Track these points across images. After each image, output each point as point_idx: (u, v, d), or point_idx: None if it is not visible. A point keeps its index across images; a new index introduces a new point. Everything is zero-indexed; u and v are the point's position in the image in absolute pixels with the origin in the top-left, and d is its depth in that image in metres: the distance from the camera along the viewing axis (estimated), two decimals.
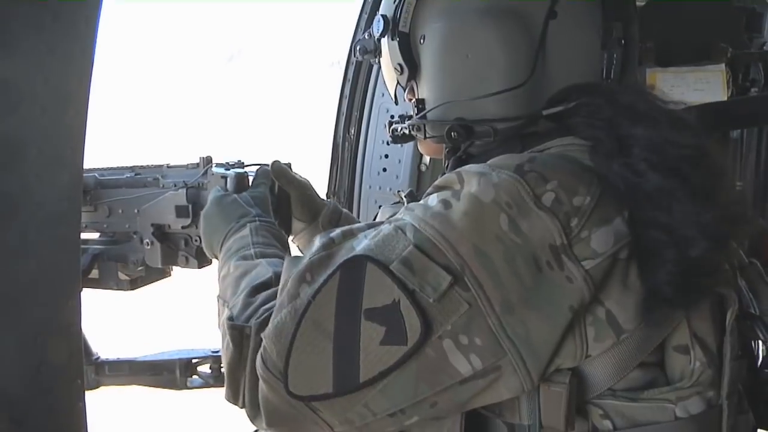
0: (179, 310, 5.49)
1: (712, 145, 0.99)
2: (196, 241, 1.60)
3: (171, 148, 1.66)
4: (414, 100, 1.21)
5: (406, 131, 1.25)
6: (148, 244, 1.63)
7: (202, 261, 1.62)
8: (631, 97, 1.02)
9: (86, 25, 0.89)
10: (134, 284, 1.78)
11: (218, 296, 1.17)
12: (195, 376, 1.97)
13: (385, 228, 0.96)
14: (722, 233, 0.93)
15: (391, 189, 2.50)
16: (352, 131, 2.52)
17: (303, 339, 0.92)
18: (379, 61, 1.32)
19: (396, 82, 1.25)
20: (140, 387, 1.96)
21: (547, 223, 0.90)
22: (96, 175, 1.74)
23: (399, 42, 1.18)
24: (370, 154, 2.51)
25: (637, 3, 2.69)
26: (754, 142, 2.71)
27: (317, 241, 1.01)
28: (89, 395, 1.86)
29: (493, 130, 1.12)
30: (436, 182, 1.02)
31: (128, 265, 1.72)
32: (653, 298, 0.92)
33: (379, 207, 2.53)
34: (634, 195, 0.93)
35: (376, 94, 2.48)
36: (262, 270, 1.12)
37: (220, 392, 2.00)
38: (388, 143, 2.49)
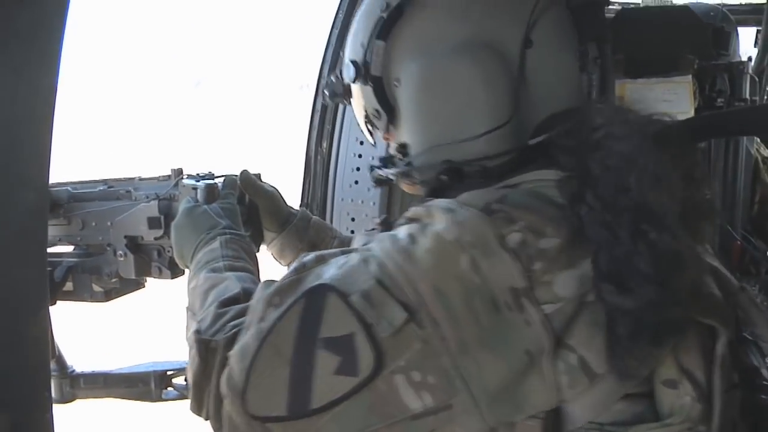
0: (154, 322, 5.47)
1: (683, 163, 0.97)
2: (168, 251, 1.61)
3: (143, 167, 1.69)
4: (396, 145, 1.18)
5: (392, 177, 1.21)
6: (121, 256, 1.64)
7: (175, 272, 1.63)
8: (606, 120, 0.99)
9: (51, 44, 0.91)
10: (108, 296, 1.78)
11: (187, 308, 1.18)
12: (170, 388, 1.97)
13: (353, 258, 0.96)
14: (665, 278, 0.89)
15: (363, 201, 2.53)
16: (324, 144, 2.55)
17: (262, 361, 0.93)
18: (350, 102, 1.28)
19: (372, 128, 1.22)
20: (115, 399, 1.96)
21: (508, 266, 0.89)
22: (69, 188, 1.75)
23: (373, 87, 1.14)
24: (342, 167, 2.53)
25: (608, 15, 2.76)
26: (721, 151, 2.76)
27: (292, 265, 1.01)
28: (65, 408, 1.88)
29: (483, 169, 1.09)
30: (407, 213, 1.01)
31: (102, 277, 1.72)
32: (614, 351, 0.90)
33: (352, 219, 2.57)
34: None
35: (347, 107, 2.51)
36: (231, 284, 1.12)
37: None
38: (359, 156, 2.52)
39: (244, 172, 1.52)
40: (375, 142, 1.27)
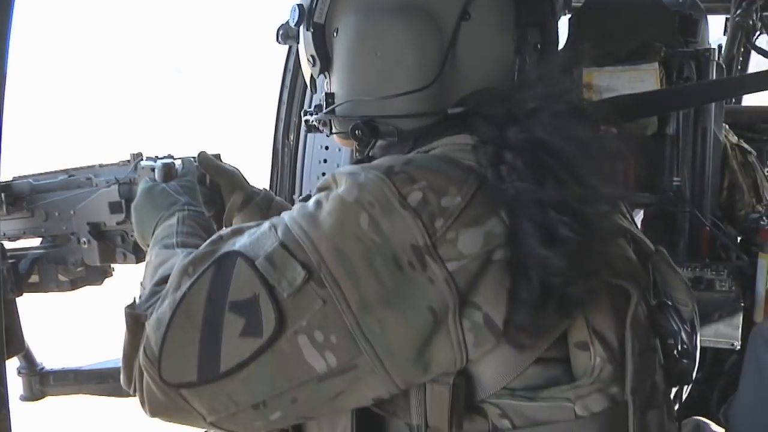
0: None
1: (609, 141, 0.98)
2: (131, 236, 1.62)
3: (122, 155, 1.69)
4: (324, 90, 1.20)
5: (315, 125, 1.25)
6: (85, 243, 1.65)
7: (140, 256, 1.64)
8: (531, 100, 0.98)
9: None
10: (75, 285, 1.79)
11: (140, 283, 1.18)
12: None
13: (264, 226, 0.98)
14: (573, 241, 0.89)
15: None
16: (291, 137, 2.56)
17: (175, 328, 0.94)
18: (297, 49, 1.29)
19: (308, 73, 1.25)
20: (86, 396, 1.96)
21: (409, 223, 0.89)
22: (30, 180, 1.76)
23: (313, 33, 1.17)
24: (309, 158, 2.54)
25: (574, 3, 2.78)
26: (690, 138, 2.79)
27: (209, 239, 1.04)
28: (35, 406, 1.87)
29: (398, 130, 1.12)
30: (318, 184, 1.02)
31: (68, 266, 1.74)
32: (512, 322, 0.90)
33: None
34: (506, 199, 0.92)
35: (314, 100, 2.51)
36: (177, 260, 1.09)
37: None
38: (327, 148, 2.53)
39: (202, 153, 1.52)
40: (313, 89, 1.28)
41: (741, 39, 3.66)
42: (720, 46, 3.48)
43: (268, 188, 1.90)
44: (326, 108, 1.19)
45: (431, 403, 0.94)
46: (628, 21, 2.78)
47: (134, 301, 1.05)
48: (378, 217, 0.90)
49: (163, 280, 1.05)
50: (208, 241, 1.02)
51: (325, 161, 2.53)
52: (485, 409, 0.95)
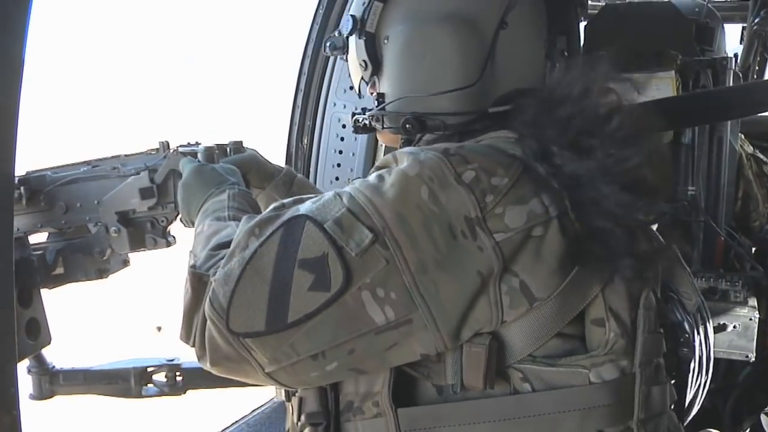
0: (134, 319, 5.46)
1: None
2: (162, 222, 1.70)
3: (136, 144, 1.71)
4: (375, 93, 1.33)
5: (367, 122, 1.36)
6: (115, 232, 1.69)
7: (169, 240, 1.73)
8: (563, 100, 1.10)
9: (12, 34, 0.90)
10: (101, 274, 1.82)
11: (190, 251, 1.23)
12: (150, 385, 1.98)
13: (328, 195, 1.08)
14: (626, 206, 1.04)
15: None
16: (305, 141, 2.55)
17: (245, 282, 1.03)
18: (346, 58, 1.43)
19: (360, 77, 1.37)
20: (95, 396, 1.96)
21: (463, 197, 1.02)
22: (48, 173, 1.77)
23: (365, 41, 1.30)
24: (322, 162, 2.54)
25: (590, 11, 2.76)
26: (705, 147, 2.76)
27: (271, 205, 1.13)
28: (44, 405, 1.87)
29: (444, 124, 1.25)
30: (377, 163, 1.14)
31: (94, 256, 1.77)
32: (573, 258, 1.04)
33: None
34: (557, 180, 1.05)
35: (328, 103, 2.51)
36: (231, 231, 1.18)
37: (175, 400, 2.02)
38: (340, 152, 2.52)
39: (231, 141, 1.68)
40: (361, 94, 1.43)
41: (758, 47, 3.64)
42: (736, 55, 3.45)
43: None
44: (378, 106, 1.32)
45: (467, 363, 1.05)
46: (643, 29, 2.76)
47: (195, 262, 1.13)
48: (436, 190, 1.02)
49: (219, 246, 1.14)
50: (270, 207, 1.12)
51: (338, 165, 2.53)
52: (509, 373, 1.07)
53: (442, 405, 1.08)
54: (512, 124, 1.15)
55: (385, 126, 1.32)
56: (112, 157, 1.76)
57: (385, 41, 1.29)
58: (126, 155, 1.75)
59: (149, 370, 1.97)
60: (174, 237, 1.75)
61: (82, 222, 1.76)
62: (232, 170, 1.52)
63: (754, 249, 2.85)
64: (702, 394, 2.35)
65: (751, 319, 2.38)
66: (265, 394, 2.18)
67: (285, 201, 1.13)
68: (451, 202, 1.02)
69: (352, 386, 1.14)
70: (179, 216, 1.63)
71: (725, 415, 2.71)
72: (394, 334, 1.03)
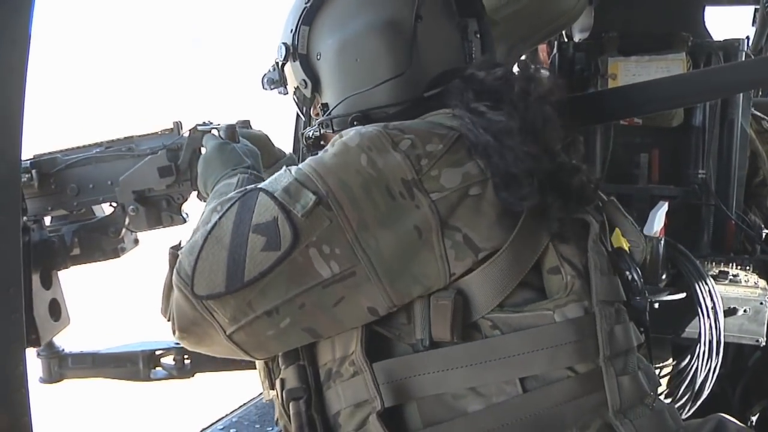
0: (142, 302, 5.49)
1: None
2: (177, 199, 1.74)
3: (143, 125, 1.74)
4: (319, 105, 1.45)
5: (317, 133, 1.46)
6: (133, 211, 1.73)
7: (185, 218, 1.76)
8: (492, 80, 1.25)
9: (17, 16, 0.90)
10: (117, 253, 1.84)
11: (193, 230, 1.28)
12: (158, 368, 1.98)
13: (281, 171, 1.19)
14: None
15: None
16: None
17: (207, 250, 1.13)
18: (286, 88, 1.56)
19: (303, 101, 1.49)
20: (104, 379, 1.96)
21: (399, 162, 1.13)
22: (58, 156, 1.78)
23: (300, 62, 1.43)
24: None
25: None
26: (716, 131, 2.74)
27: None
28: (53, 388, 1.88)
29: (387, 115, 1.34)
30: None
31: (108, 235, 1.79)
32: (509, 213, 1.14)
33: None
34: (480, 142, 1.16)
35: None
36: None
37: (184, 383, 2.02)
38: None
39: (239, 121, 1.74)
40: (306, 118, 1.53)
41: None
42: (748, 37, 3.41)
43: None
44: (323, 115, 1.42)
45: (435, 317, 1.13)
46: (654, 10, 2.74)
47: (179, 243, 1.22)
48: (374, 157, 1.13)
49: None
50: (237, 191, 1.23)
51: None
52: (479, 324, 1.15)
53: (415, 355, 1.15)
54: (446, 102, 1.27)
55: (335, 129, 1.40)
56: (125, 138, 1.78)
57: (318, 57, 1.42)
58: (139, 135, 1.77)
59: (157, 353, 1.98)
60: (187, 214, 1.77)
61: (95, 203, 1.79)
62: (252, 152, 1.60)
63: (765, 233, 2.82)
64: (712, 379, 2.36)
65: (761, 303, 2.35)
66: None
67: (248, 185, 1.24)
68: (388, 167, 1.12)
69: (329, 354, 1.21)
70: (194, 193, 1.70)
71: (735, 399, 2.70)
72: (339, 288, 1.12)
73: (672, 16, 2.75)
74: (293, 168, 1.18)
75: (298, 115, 2.75)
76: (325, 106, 1.42)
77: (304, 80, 1.43)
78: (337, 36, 1.38)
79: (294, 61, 1.44)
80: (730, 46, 2.69)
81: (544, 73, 1.28)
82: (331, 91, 1.41)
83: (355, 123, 1.33)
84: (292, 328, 1.15)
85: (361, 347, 1.16)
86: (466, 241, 1.12)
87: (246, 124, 1.74)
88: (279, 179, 1.17)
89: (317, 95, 1.45)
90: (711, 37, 2.79)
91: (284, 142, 2.58)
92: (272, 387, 1.30)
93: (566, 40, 3.05)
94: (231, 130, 1.63)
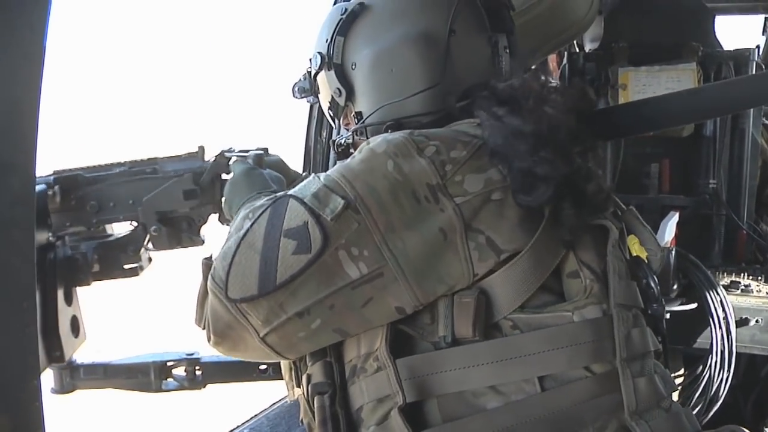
0: (153, 314, 5.51)
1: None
2: (198, 222, 1.80)
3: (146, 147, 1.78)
4: (353, 114, 1.48)
5: (350, 140, 1.49)
6: (155, 231, 1.77)
7: (203, 239, 1.82)
8: (510, 89, 1.29)
9: (32, 31, 0.90)
10: (135, 271, 1.87)
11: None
12: (170, 379, 1.99)
13: (309, 178, 1.25)
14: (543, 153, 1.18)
15: None
16: (324, 134, 2.56)
17: (240, 255, 1.18)
18: (314, 99, 1.61)
19: (335, 109, 1.52)
20: (115, 390, 1.97)
21: (425, 167, 1.17)
22: (81, 173, 1.80)
23: (335, 71, 1.46)
24: None
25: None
26: (727, 141, 2.73)
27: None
28: (65, 398, 1.89)
29: (420, 124, 1.37)
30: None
31: (127, 254, 1.83)
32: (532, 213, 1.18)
33: None
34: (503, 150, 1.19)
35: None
36: None
37: (195, 394, 2.03)
38: None
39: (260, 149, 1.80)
40: (337, 127, 1.56)
41: None
42: (758, 47, 3.40)
43: None
44: (357, 123, 1.46)
45: (458, 314, 1.16)
46: (664, 20, 2.74)
47: (211, 255, 1.27)
48: (400, 162, 1.18)
49: None
50: (266, 199, 1.30)
51: None
52: (501, 324, 1.18)
53: (437, 352, 1.18)
54: (471, 111, 1.30)
55: (368, 137, 1.41)
56: (148, 159, 1.83)
57: (353, 67, 1.45)
58: (163, 157, 1.82)
59: (169, 364, 1.99)
60: (205, 236, 1.82)
61: (115, 221, 1.82)
62: (278, 179, 1.67)
63: None
64: (724, 389, 2.35)
65: None
66: (285, 388, 2.19)
67: (278, 194, 1.29)
68: (414, 172, 1.17)
69: (354, 350, 1.24)
70: (213, 215, 1.77)
71: (747, 410, 2.69)
72: (368, 288, 1.16)
73: (682, 25, 2.74)
74: (322, 174, 1.22)
75: (308, 128, 2.80)
76: (359, 114, 1.46)
77: (338, 89, 1.47)
78: (373, 47, 1.42)
79: (329, 71, 1.48)
80: (741, 56, 2.68)
81: (559, 82, 1.30)
82: (366, 100, 1.45)
83: (389, 131, 1.35)
84: (322, 329, 1.19)
85: (385, 344, 1.19)
86: (488, 243, 1.16)
87: (264, 151, 1.78)
88: (308, 186, 1.21)
89: (350, 104, 1.48)
90: (721, 46, 2.79)
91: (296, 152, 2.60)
92: (298, 384, 1.33)
93: (576, 50, 3.05)
94: (259, 157, 1.70)
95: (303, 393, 1.30)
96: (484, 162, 1.19)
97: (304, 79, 1.60)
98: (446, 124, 1.32)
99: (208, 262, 1.24)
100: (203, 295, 1.24)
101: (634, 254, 1.32)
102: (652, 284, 1.31)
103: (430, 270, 1.16)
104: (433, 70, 1.38)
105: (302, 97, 1.63)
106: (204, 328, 1.25)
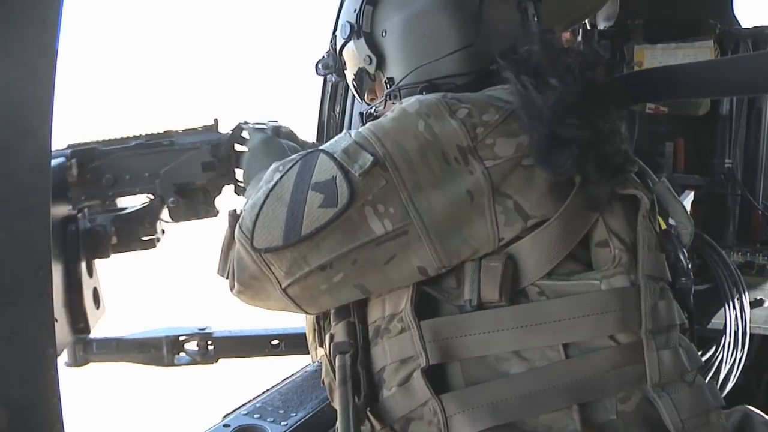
0: (167, 287, 5.53)
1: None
2: (214, 192, 1.81)
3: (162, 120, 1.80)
4: (384, 80, 1.48)
5: (380, 107, 1.49)
6: (173, 203, 1.78)
7: (218, 209, 1.83)
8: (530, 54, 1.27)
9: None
10: (152, 243, 1.87)
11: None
12: (182, 354, 2.00)
13: (341, 134, 1.25)
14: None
15: None
16: (338, 110, 2.55)
17: (268, 206, 1.19)
18: (337, 75, 1.62)
19: (362, 81, 1.53)
20: (128, 364, 1.98)
21: (456, 129, 1.16)
22: (96, 147, 1.80)
23: (365, 39, 1.47)
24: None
25: None
26: (743, 120, 2.71)
27: None
28: (79, 372, 1.89)
29: (456, 86, 1.37)
30: None
31: (144, 225, 1.83)
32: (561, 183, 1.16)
33: None
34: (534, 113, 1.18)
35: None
36: None
37: (207, 369, 2.03)
38: None
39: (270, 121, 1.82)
40: (363, 100, 1.57)
41: None
42: None
43: None
44: (389, 88, 1.46)
45: (485, 278, 1.16)
46: None
47: (236, 209, 1.29)
48: (432, 123, 1.17)
49: None
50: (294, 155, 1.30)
51: None
52: (527, 290, 1.17)
53: (462, 315, 1.17)
54: (504, 77, 1.28)
55: (403, 100, 1.41)
56: (164, 132, 1.83)
57: (383, 34, 1.46)
58: (179, 130, 1.83)
59: (181, 338, 1.99)
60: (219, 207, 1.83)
61: (131, 194, 1.81)
62: (295, 149, 1.65)
63: None
64: (737, 371, 2.34)
65: None
66: (297, 363, 2.19)
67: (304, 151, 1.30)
68: (445, 133, 1.16)
69: (379, 311, 1.25)
70: (228, 187, 1.79)
71: (760, 391, 2.68)
72: (391, 245, 1.16)
73: (699, 2, 2.71)
74: (353, 131, 1.23)
75: (321, 103, 2.78)
76: (390, 80, 1.46)
77: (368, 56, 1.47)
78: (403, 13, 1.43)
79: (358, 39, 1.48)
80: (760, 34, 2.65)
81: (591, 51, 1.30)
82: (397, 65, 1.45)
83: (423, 93, 1.35)
84: (344, 283, 1.20)
85: (410, 305, 1.19)
86: (516, 208, 1.15)
87: (275, 122, 1.79)
88: (339, 141, 1.21)
89: (380, 72, 1.48)
90: (739, 24, 2.75)
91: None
92: (321, 345, 1.34)
93: (590, 28, 3.02)
94: (277, 128, 1.72)
95: (326, 352, 1.30)
96: (516, 127, 1.18)
97: (328, 55, 1.61)
98: (480, 89, 1.32)
99: (234, 213, 1.26)
100: (228, 245, 1.26)
101: (664, 227, 1.31)
102: (682, 258, 1.29)
103: (455, 231, 1.16)
104: (467, 32, 1.39)
105: (326, 74, 1.64)
106: (227, 278, 1.27)
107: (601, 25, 2.95)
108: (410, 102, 1.22)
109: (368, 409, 1.23)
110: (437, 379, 1.17)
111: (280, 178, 1.21)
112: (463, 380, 1.17)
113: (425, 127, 1.17)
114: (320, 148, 1.22)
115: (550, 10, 2.32)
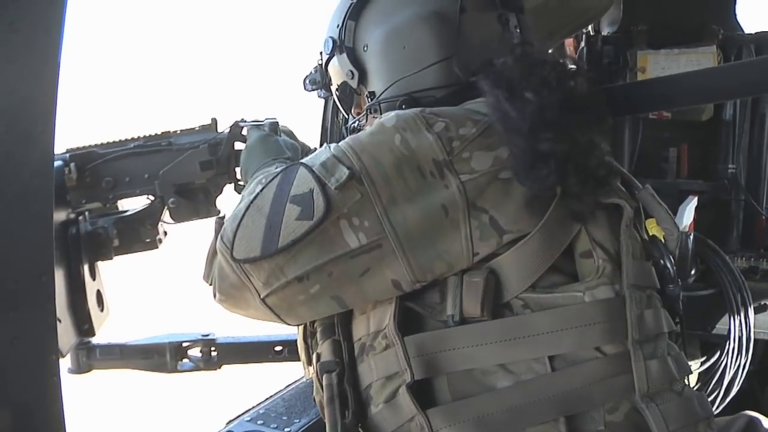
0: (169, 294, 5.52)
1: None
2: (214, 192, 1.82)
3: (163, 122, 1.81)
4: (366, 95, 1.49)
5: (363, 121, 1.50)
6: (173, 204, 1.79)
7: (219, 209, 1.84)
8: (505, 67, 1.28)
9: (51, 3, 0.90)
10: (154, 244, 1.88)
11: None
12: (185, 360, 2.00)
13: (322, 148, 1.27)
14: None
15: None
16: (340, 116, 2.55)
17: (248, 218, 1.22)
18: (324, 91, 1.65)
19: (346, 95, 1.53)
20: (131, 370, 1.98)
21: (431, 142, 1.17)
22: (95, 150, 1.80)
23: (347, 54, 1.48)
24: None
25: None
26: (747, 126, 2.70)
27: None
28: (82, 378, 1.89)
29: (435, 99, 1.38)
30: None
31: (146, 227, 1.84)
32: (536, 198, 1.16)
33: None
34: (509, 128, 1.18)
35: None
36: None
37: (210, 375, 2.03)
38: None
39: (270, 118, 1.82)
40: (346, 115, 1.59)
41: None
42: None
43: None
44: (370, 102, 1.47)
45: (467, 293, 1.16)
46: (684, 2, 2.70)
47: (224, 216, 1.33)
48: (408, 137, 1.18)
49: None
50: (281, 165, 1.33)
51: None
52: (511, 303, 1.18)
53: (446, 330, 1.18)
54: (482, 90, 1.28)
55: (383, 113, 1.40)
56: (162, 133, 1.83)
57: (365, 49, 1.47)
58: (177, 131, 1.83)
59: (185, 345, 1.99)
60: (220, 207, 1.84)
61: (131, 195, 1.82)
62: (293, 146, 1.69)
63: None
64: (741, 376, 2.33)
65: None
66: (301, 369, 2.19)
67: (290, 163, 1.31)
68: (421, 147, 1.17)
69: (363, 329, 1.26)
70: (229, 186, 1.81)
71: (764, 397, 2.67)
72: (366, 258, 1.17)
73: (702, 8, 2.70)
74: (333, 145, 1.24)
75: (324, 110, 2.79)
76: (371, 94, 1.47)
77: (350, 71, 1.48)
78: (384, 27, 1.43)
79: (341, 54, 1.49)
80: (762, 39, 2.65)
81: (571, 63, 1.30)
82: (378, 79, 1.45)
83: (403, 106, 1.37)
84: (321, 295, 1.21)
85: (394, 321, 1.20)
86: (491, 223, 1.16)
87: (274, 122, 1.79)
88: (319, 155, 1.23)
89: (363, 86, 1.49)
90: (742, 29, 2.75)
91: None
92: (310, 363, 1.36)
93: (594, 33, 3.02)
94: (274, 126, 1.73)
95: (314, 375, 1.31)
96: (493, 140, 1.19)
97: (315, 71, 1.63)
98: (460, 102, 1.32)
99: (221, 222, 1.28)
100: (213, 253, 1.28)
101: (652, 234, 1.31)
102: (669, 264, 1.29)
103: (429, 245, 1.17)
104: (446, 45, 1.39)
105: (313, 89, 1.66)
106: (210, 285, 1.29)
107: (605, 31, 2.95)
108: (389, 116, 1.23)
109: (359, 425, 1.24)
110: (424, 394, 1.18)
111: (261, 190, 1.24)
112: (450, 395, 1.17)
113: (401, 141, 1.18)
114: (301, 161, 1.25)
115: (552, 17, 2.33)
